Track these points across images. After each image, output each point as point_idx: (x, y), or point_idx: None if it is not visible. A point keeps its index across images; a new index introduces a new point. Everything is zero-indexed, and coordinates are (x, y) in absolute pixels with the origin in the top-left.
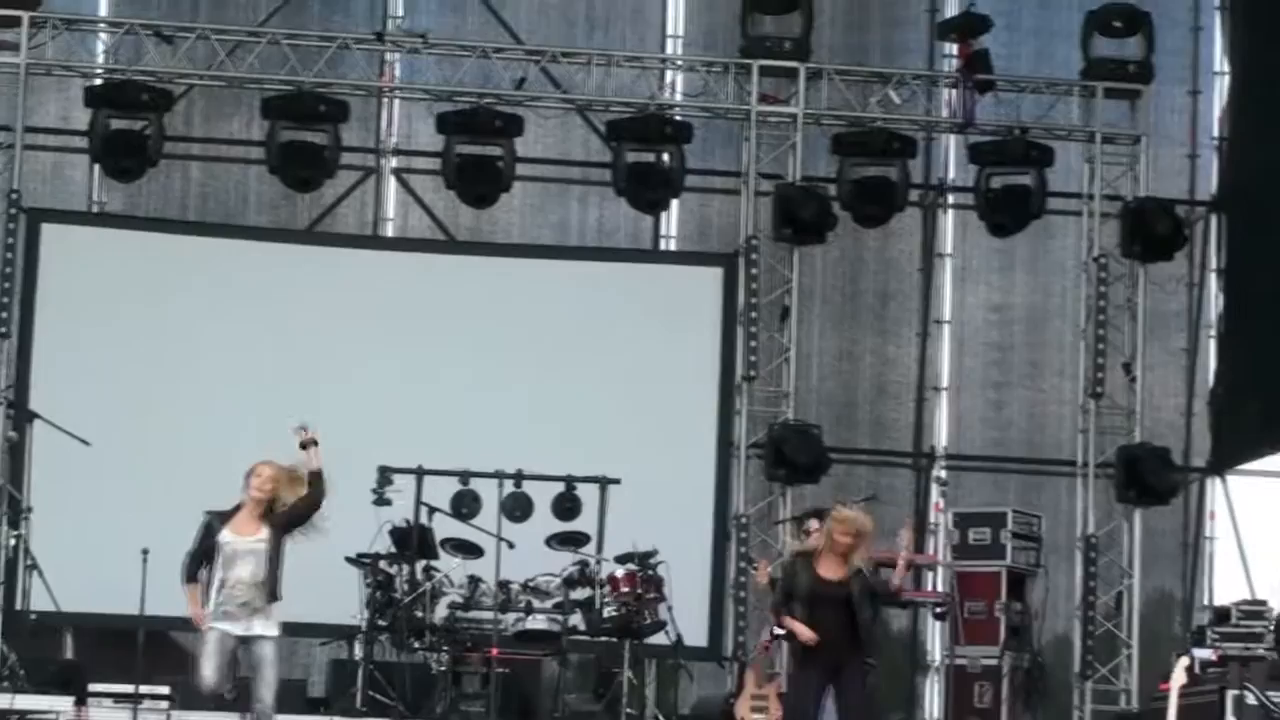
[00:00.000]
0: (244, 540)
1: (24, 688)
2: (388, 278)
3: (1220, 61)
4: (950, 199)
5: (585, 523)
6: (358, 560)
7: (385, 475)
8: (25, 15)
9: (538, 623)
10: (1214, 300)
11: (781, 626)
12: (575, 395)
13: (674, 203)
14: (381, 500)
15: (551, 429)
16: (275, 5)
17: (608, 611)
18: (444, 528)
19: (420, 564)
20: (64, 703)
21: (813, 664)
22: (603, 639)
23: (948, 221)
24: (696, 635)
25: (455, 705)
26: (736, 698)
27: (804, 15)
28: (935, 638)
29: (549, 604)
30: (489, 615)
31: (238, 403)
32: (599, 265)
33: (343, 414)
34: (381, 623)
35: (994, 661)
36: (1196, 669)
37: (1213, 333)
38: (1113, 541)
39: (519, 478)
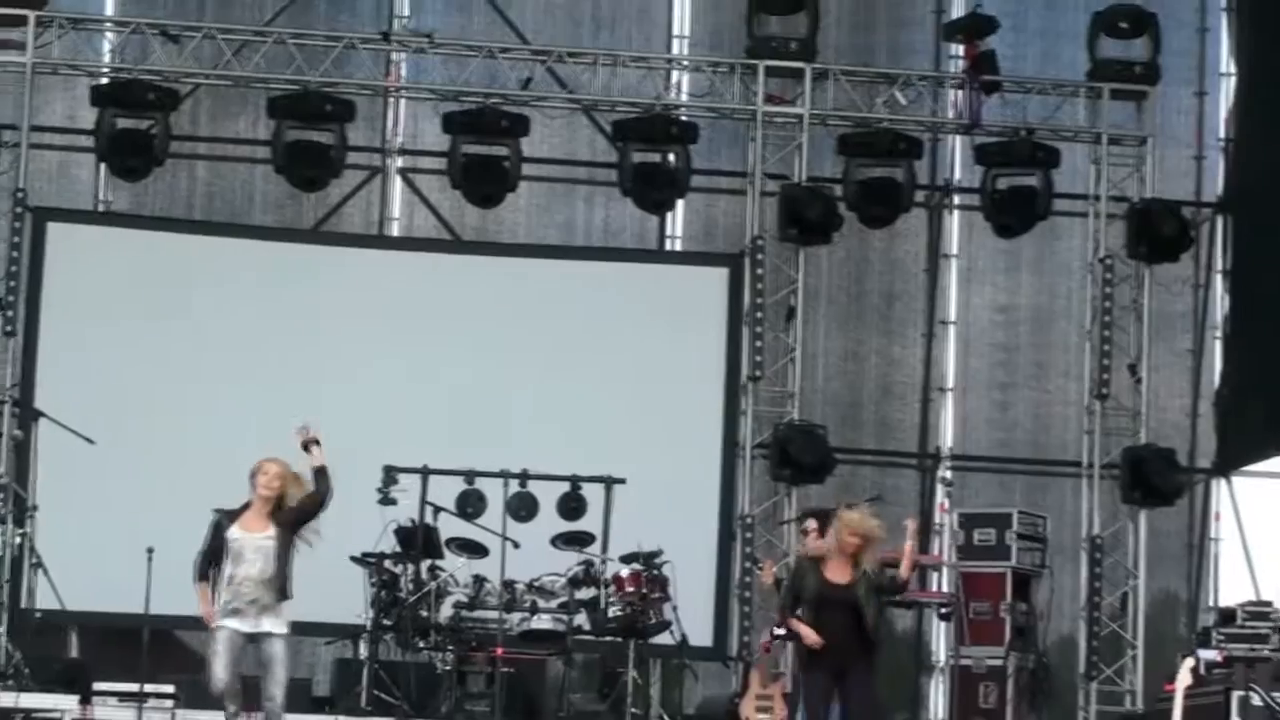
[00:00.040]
0: (252, 537)
1: (29, 686)
2: (393, 277)
3: (1226, 63)
4: (956, 200)
5: (590, 522)
6: (363, 560)
7: (390, 475)
8: (31, 14)
9: (543, 622)
10: (1220, 301)
11: (788, 629)
12: (581, 395)
13: (680, 203)
14: (387, 500)
15: (557, 429)
16: (281, 5)
17: (613, 611)
18: (449, 527)
19: (425, 563)
20: (69, 701)
21: (818, 667)
22: (608, 639)
23: (953, 222)
24: (701, 635)
25: (460, 705)
26: (741, 698)
27: (810, 16)
28: (940, 638)
29: (554, 604)
30: (494, 615)
31: (243, 401)
32: (605, 265)
33: (348, 413)
34: (386, 622)
35: (999, 662)
36: (1202, 670)
37: (1218, 334)
38: (1118, 542)
39: (524, 477)
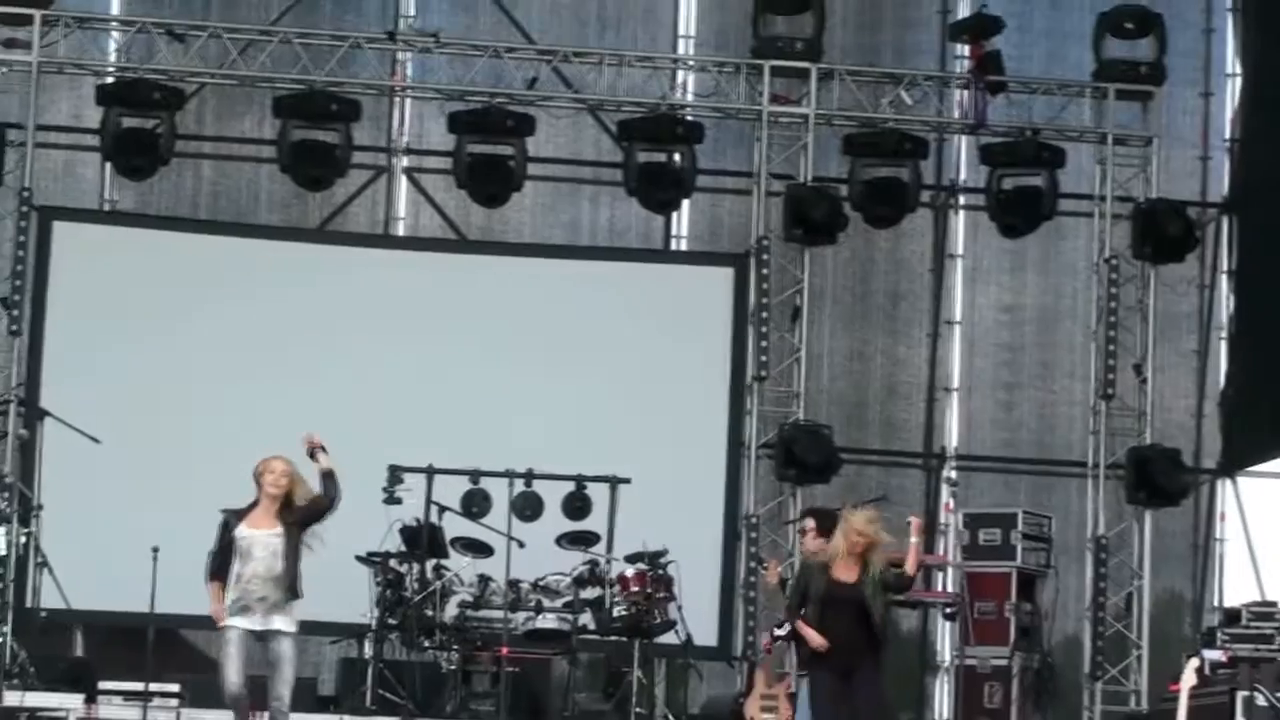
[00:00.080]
0: (260, 534)
1: (34, 685)
2: (399, 277)
3: (1232, 63)
4: (961, 200)
5: (595, 522)
6: (368, 559)
7: (395, 474)
8: (37, 13)
9: (548, 622)
10: (1225, 302)
11: (794, 630)
12: (586, 395)
13: (685, 203)
14: (392, 499)
15: (562, 428)
16: (287, 4)
17: (617, 611)
18: (454, 527)
19: (430, 563)
20: (74, 700)
21: (825, 667)
22: (612, 638)
23: (959, 222)
24: (706, 635)
25: (465, 704)
26: (746, 697)
27: (816, 16)
28: (945, 638)
29: (559, 603)
30: (499, 614)
31: (248, 401)
32: (610, 265)
33: (353, 413)
34: (391, 621)
35: (1004, 662)
36: (1207, 670)
37: (1224, 334)
38: (1123, 542)
39: (529, 477)
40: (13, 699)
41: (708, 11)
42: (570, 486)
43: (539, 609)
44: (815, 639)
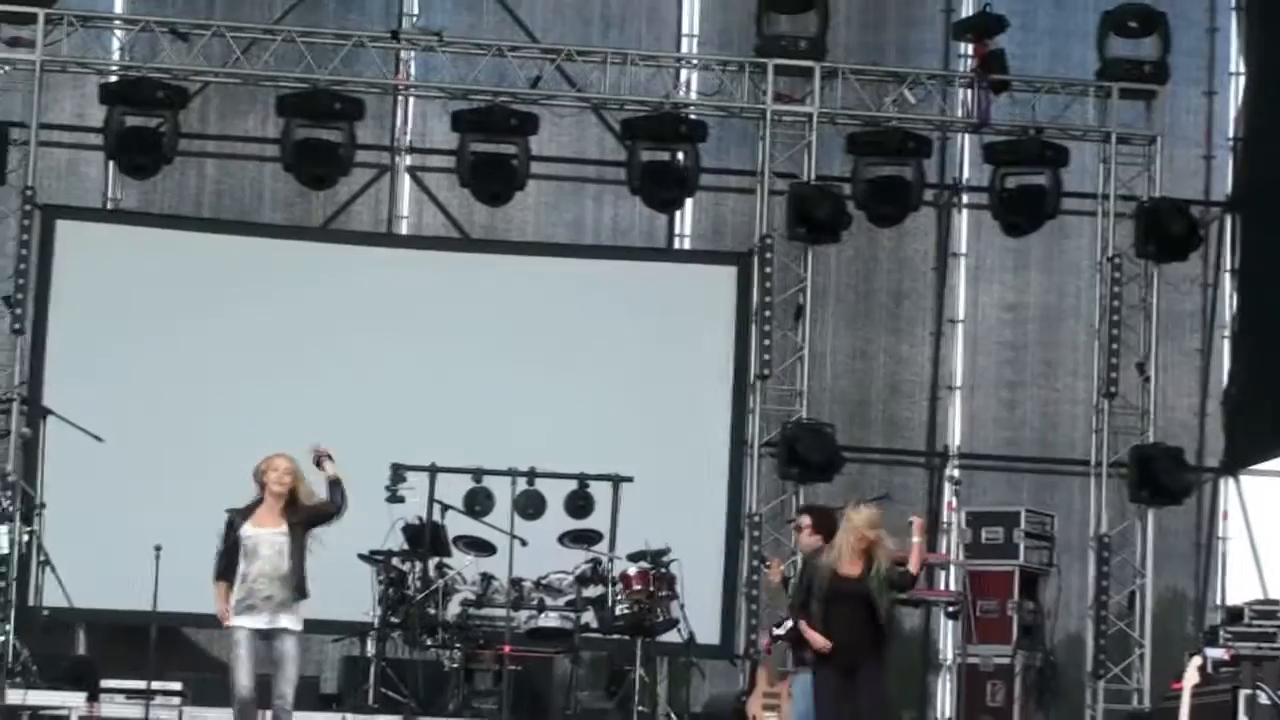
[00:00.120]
0: (265, 533)
1: (36, 683)
2: (402, 275)
3: (1236, 62)
4: (965, 198)
5: (598, 520)
6: (370, 557)
7: (398, 472)
8: (41, 12)
9: (550, 620)
10: (1228, 300)
11: (796, 628)
12: (588, 393)
13: (688, 201)
14: (394, 497)
15: (565, 426)
16: (290, 3)
17: (620, 609)
18: (457, 525)
19: (433, 561)
20: (76, 698)
21: (829, 665)
22: (615, 637)
23: (962, 221)
24: (709, 633)
25: (467, 702)
26: (748, 696)
27: (819, 14)
28: (948, 636)
29: (561, 601)
30: (501, 612)
31: (251, 399)
32: (613, 264)
33: (356, 411)
34: (394, 620)
35: (1006, 660)
36: (1209, 668)
37: (1227, 333)
38: (1126, 541)
39: (532, 475)
40: (15, 697)
41: (711, 10)
42: (573, 485)
43: (541, 607)
44: (818, 640)
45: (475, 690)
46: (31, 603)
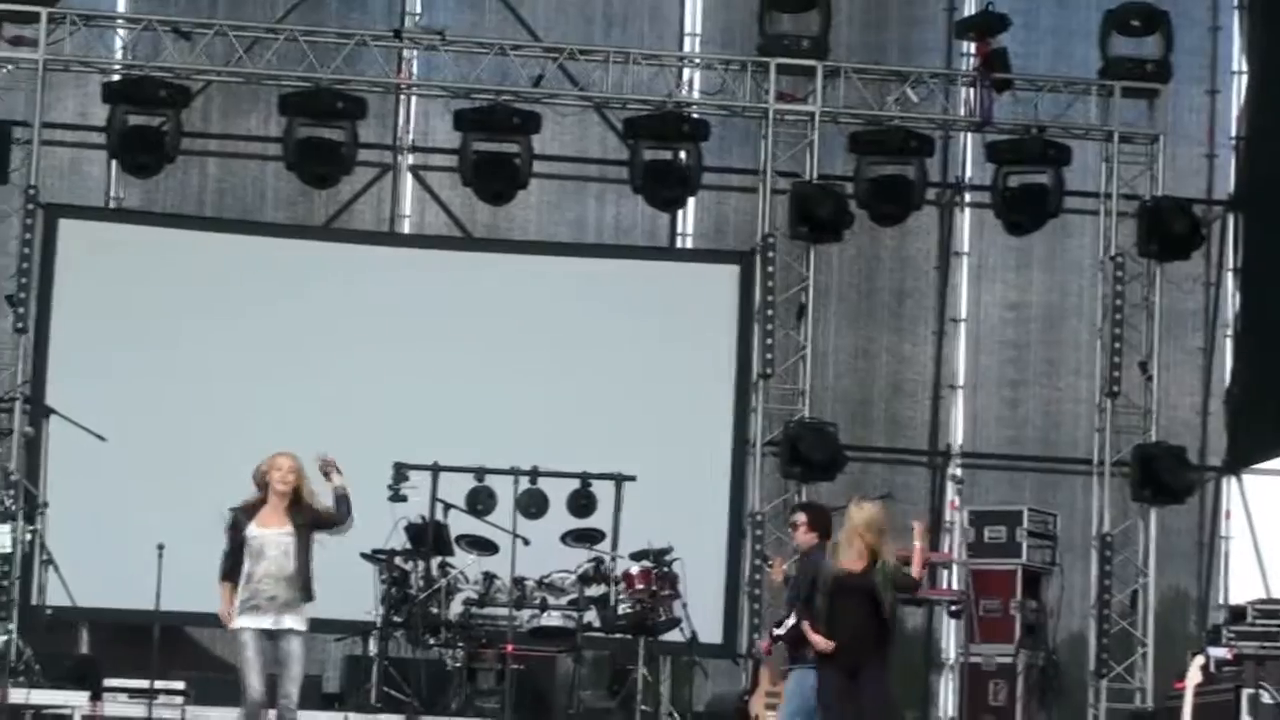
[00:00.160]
0: (271, 533)
1: (39, 682)
2: (404, 274)
3: (1238, 61)
4: (967, 197)
5: (600, 519)
6: (373, 556)
7: (401, 471)
8: (43, 11)
9: (553, 619)
10: (1231, 299)
11: (796, 626)
12: (591, 392)
13: (691, 200)
14: (397, 497)
15: (567, 425)
16: (293, 2)
17: (623, 608)
18: (459, 524)
19: (435, 560)
20: (79, 698)
21: (833, 664)
22: (618, 636)
23: (964, 220)
24: (711, 632)
25: (470, 701)
26: (751, 695)
27: (822, 13)
28: (950, 635)
29: (564, 600)
30: (504, 612)
31: (254, 398)
32: (616, 263)
33: (358, 410)
34: (397, 619)
35: (1009, 659)
36: (1212, 668)
37: (1229, 332)
38: (1128, 540)
39: (534, 474)
40: (18, 696)
41: (714, 9)
42: (575, 484)
43: (544, 606)
44: (821, 643)
45: (478, 689)
46: (34, 602)
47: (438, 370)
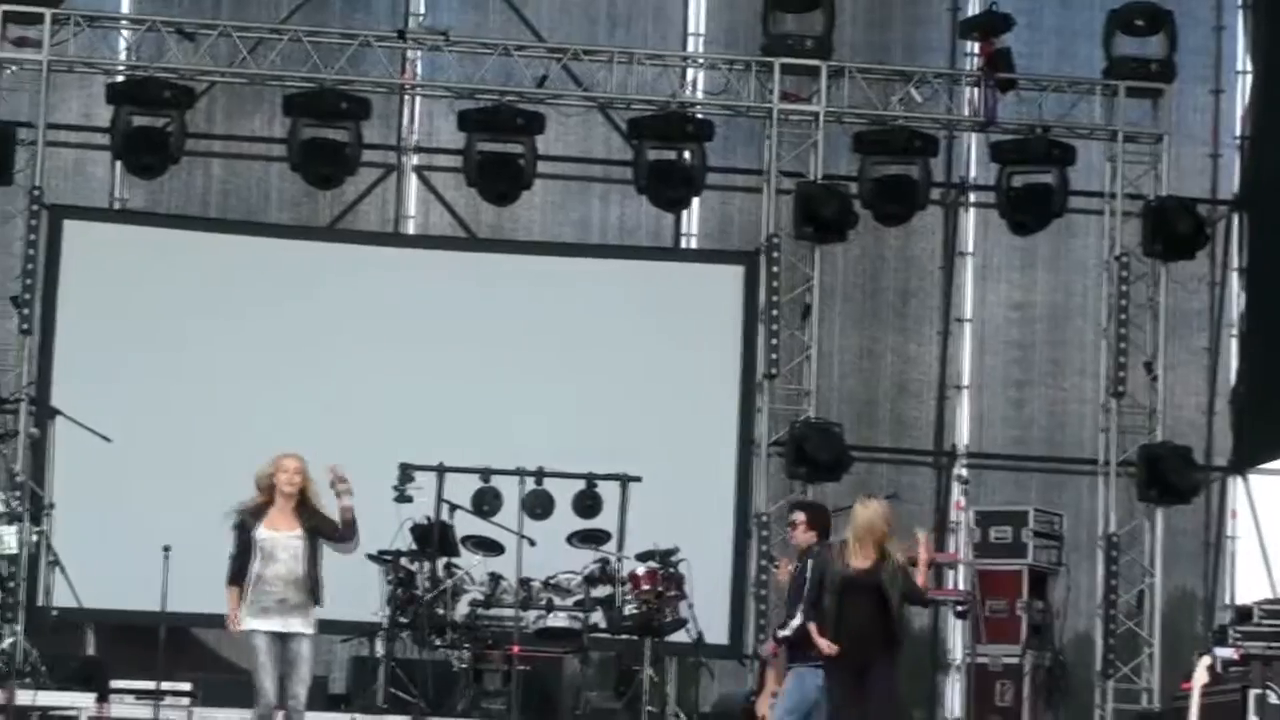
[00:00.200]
0: (281, 536)
1: (46, 684)
2: (409, 275)
3: (1243, 60)
4: (972, 197)
5: (606, 520)
6: (379, 557)
7: (406, 472)
8: (47, 12)
9: (559, 620)
10: (1236, 299)
11: (803, 627)
12: (596, 393)
13: (695, 201)
14: (403, 497)
15: (572, 426)
16: (297, 2)
17: (629, 609)
18: (465, 525)
19: (441, 561)
20: (86, 699)
21: (841, 664)
22: (624, 637)
23: (969, 220)
24: (717, 633)
25: (476, 702)
26: (757, 695)
27: (826, 13)
28: (956, 636)
29: (570, 601)
30: (510, 613)
31: (259, 399)
32: (620, 263)
33: (364, 411)
34: (403, 620)
35: (1015, 660)
36: (1218, 668)
37: (1234, 332)
38: (1134, 540)
39: (540, 475)
40: (25, 698)
41: (718, 9)
42: (581, 485)
43: (550, 607)
44: (826, 646)
45: (484, 690)
46: (41, 603)
47: (442, 371)
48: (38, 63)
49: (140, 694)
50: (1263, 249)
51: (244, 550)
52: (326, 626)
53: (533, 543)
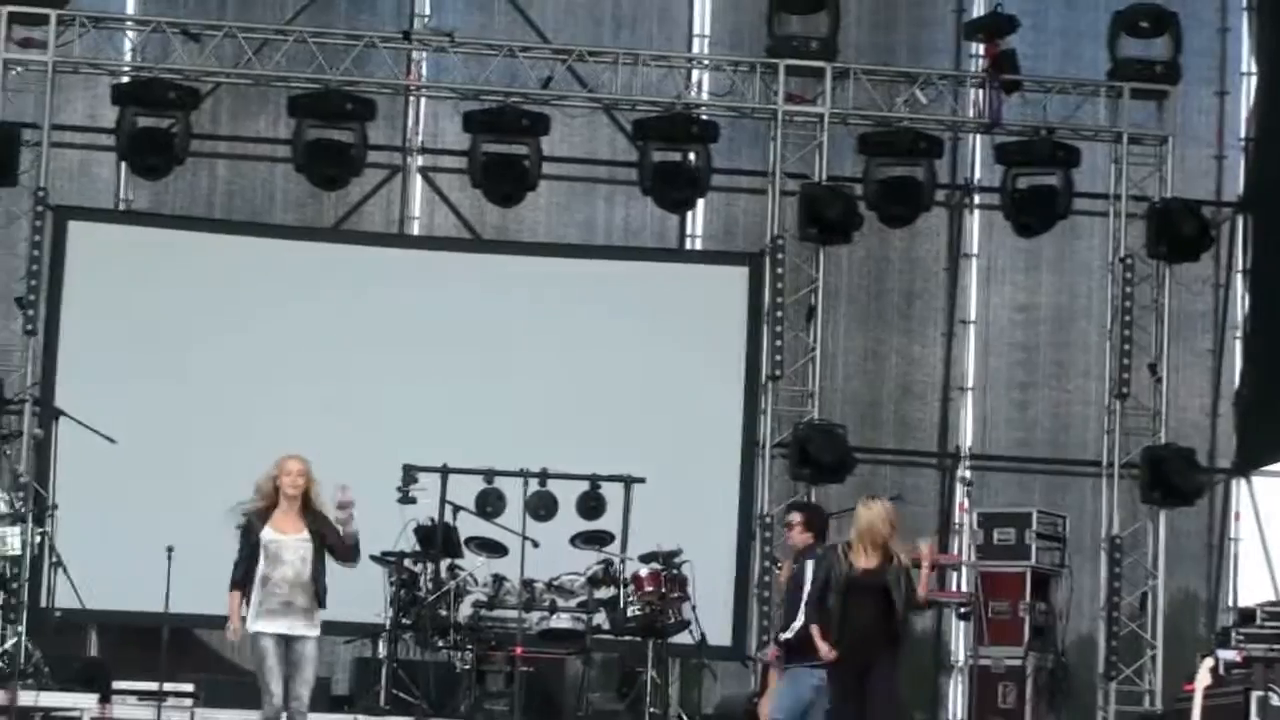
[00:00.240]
0: (288, 539)
1: (49, 685)
2: (413, 276)
3: (1247, 62)
4: (976, 199)
5: (609, 522)
6: (382, 559)
7: (410, 474)
8: (53, 13)
9: (562, 622)
10: (1240, 301)
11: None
12: (600, 394)
13: (700, 202)
14: (406, 499)
15: (576, 427)
16: (302, 4)
17: (632, 611)
18: (468, 526)
19: (445, 562)
20: (88, 700)
21: (843, 665)
22: (627, 638)
23: (973, 221)
24: (720, 635)
25: (479, 704)
26: (760, 697)
27: (831, 15)
28: (959, 638)
29: (573, 603)
30: (513, 614)
31: (262, 399)
32: (625, 264)
33: (367, 411)
34: (406, 621)
35: (1018, 662)
36: (1221, 670)
37: (1238, 334)
38: (1137, 542)
39: (543, 476)
40: (28, 698)
41: (722, 11)
42: (584, 486)
43: (553, 609)
44: (825, 651)
45: (487, 692)
46: (44, 604)
47: (446, 372)
48: (43, 63)
49: (143, 695)
50: (1267, 251)
51: (251, 553)
52: (329, 628)
53: (536, 544)
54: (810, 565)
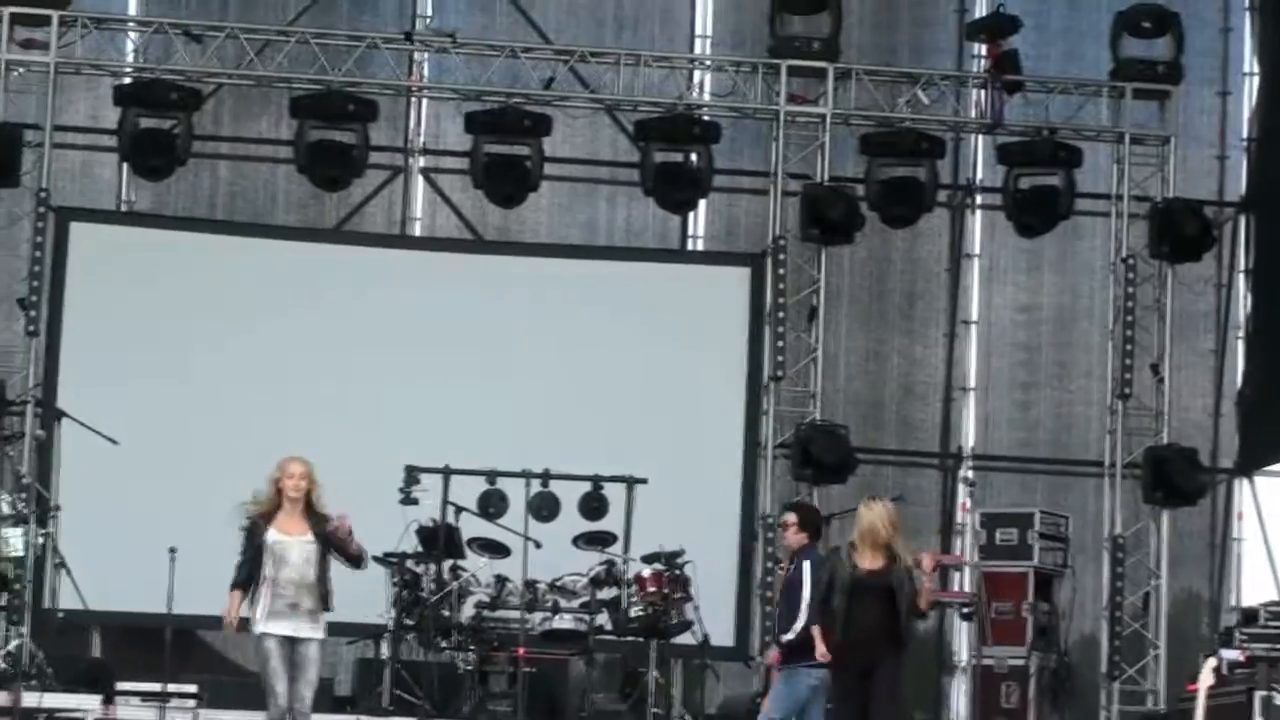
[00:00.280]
0: (293, 540)
1: (52, 686)
2: (415, 277)
3: (1250, 62)
4: (978, 199)
5: (612, 522)
6: (385, 560)
7: (412, 475)
8: (55, 14)
9: (564, 622)
10: (1242, 301)
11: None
12: (602, 394)
13: (702, 203)
14: (408, 500)
15: (578, 428)
16: (304, 4)
17: (634, 611)
18: (471, 527)
19: (447, 563)
20: (92, 701)
21: (846, 665)
22: (629, 639)
23: (976, 222)
24: (723, 635)
25: (482, 705)
26: (763, 698)
27: (833, 15)
28: (962, 638)
29: (576, 604)
30: (516, 615)
31: (265, 401)
32: (627, 265)
33: (369, 413)
34: (408, 622)
35: (1021, 662)
36: (1224, 670)
37: (1241, 334)
38: (1140, 542)
39: (546, 477)
40: (31, 700)
41: (724, 11)
42: (587, 487)
43: (556, 609)
44: (821, 653)
45: (490, 692)
46: (46, 605)
47: (449, 372)
48: (45, 64)
49: (146, 696)
50: (1269, 251)
51: (254, 555)
52: (332, 628)
53: (538, 545)
54: (807, 565)
